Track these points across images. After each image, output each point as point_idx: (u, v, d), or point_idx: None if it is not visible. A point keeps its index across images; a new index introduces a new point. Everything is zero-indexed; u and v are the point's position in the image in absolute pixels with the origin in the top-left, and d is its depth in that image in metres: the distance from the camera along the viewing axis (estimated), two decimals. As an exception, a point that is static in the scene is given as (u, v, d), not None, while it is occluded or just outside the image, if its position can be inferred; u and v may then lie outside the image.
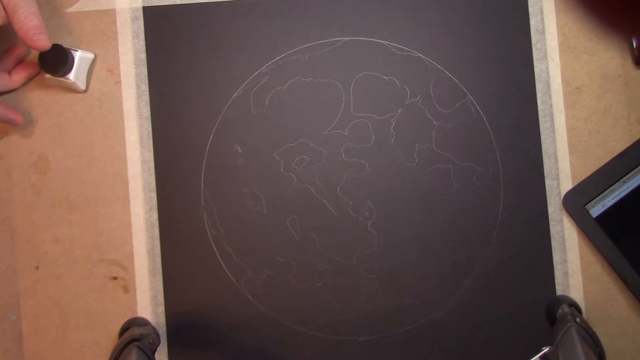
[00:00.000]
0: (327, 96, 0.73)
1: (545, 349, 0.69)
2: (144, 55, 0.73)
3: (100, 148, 0.73)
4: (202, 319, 0.72)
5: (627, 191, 0.71)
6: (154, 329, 0.71)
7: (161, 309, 0.72)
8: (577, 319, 0.66)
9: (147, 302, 0.72)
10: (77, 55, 0.71)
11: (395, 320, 0.72)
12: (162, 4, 0.74)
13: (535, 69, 0.72)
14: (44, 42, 0.66)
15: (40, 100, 0.73)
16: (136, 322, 0.72)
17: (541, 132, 0.72)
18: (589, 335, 0.65)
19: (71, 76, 0.71)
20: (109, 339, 0.73)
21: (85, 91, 0.73)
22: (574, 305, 0.70)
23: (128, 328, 0.71)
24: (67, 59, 0.69)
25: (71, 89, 0.73)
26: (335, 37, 0.73)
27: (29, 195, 0.73)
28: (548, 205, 0.72)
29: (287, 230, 0.73)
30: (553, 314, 0.70)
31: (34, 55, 0.73)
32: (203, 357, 0.71)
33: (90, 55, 0.73)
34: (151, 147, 0.73)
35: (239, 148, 0.73)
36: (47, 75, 0.71)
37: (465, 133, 0.72)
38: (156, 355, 0.67)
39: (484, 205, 0.72)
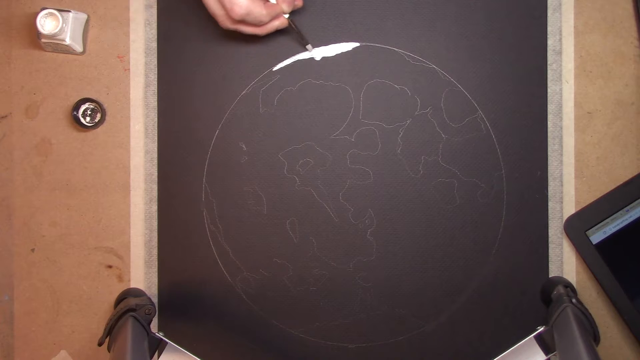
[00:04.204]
0: (337, 100, 0.72)
1: (540, 329, 0.69)
2: (155, 44, 0.72)
3: (104, 135, 0.72)
4: (195, 314, 0.72)
5: (629, 220, 0.71)
6: (149, 299, 0.71)
7: (154, 300, 0.72)
8: (573, 300, 0.66)
9: (141, 292, 0.72)
10: (71, 16, 0.69)
11: (387, 330, 0.72)
12: (177, -7, 0.72)
13: (549, 90, 0.71)
14: None
15: (47, 82, 0.72)
16: (131, 292, 0.72)
17: (549, 154, 0.71)
18: (585, 316, 0.65)
19: (67, 38, 0.69)
20: (100, 326, 0.73)
21: (82, 53, 0.72)
22: (569, 286, 0.70)
23: (124, 299, 0.71)
24: None
25: (68, 52, 0.72)
26: (350, 41, 0.72)
27: (29, 177, 0.72)
28: (549, 228, 0.71)
29: (286, 232, 0.72)
30: (548, 295, 0.70)
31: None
32: (192, 352, 0.72)
33: (83, 16, 0.71)
34: (156, 138, 0.72)
35: (244, 146, 0.72)
36: (44, 40, 0.69)
37: (473, 149, 0.72)
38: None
39: (484, 223, 0.72)
